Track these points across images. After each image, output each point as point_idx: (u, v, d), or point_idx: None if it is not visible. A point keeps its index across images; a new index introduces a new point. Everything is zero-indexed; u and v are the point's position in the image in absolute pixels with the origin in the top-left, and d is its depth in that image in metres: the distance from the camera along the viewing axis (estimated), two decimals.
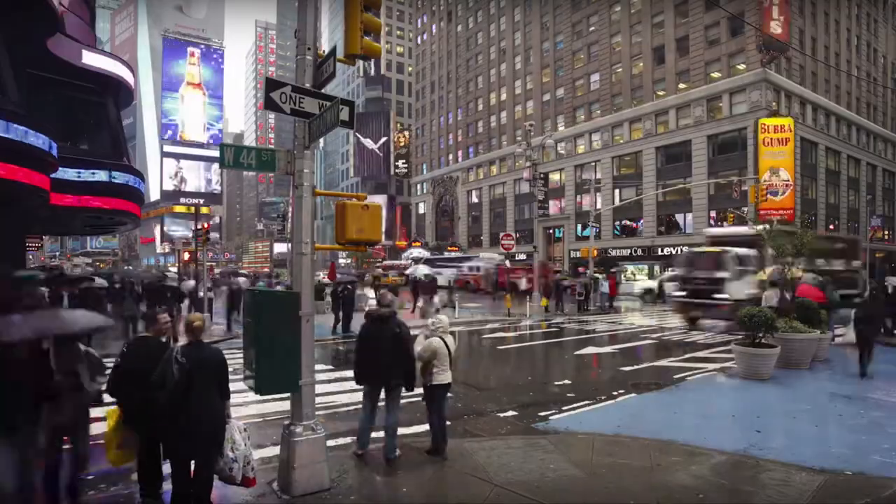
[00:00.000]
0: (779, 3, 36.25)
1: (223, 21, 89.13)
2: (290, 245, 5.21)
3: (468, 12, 65.41)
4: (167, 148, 72.76)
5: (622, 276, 35.53)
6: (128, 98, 24.09)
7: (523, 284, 29.65)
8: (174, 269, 48.49)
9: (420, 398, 8.26)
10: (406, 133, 79.35)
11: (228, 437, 3.97)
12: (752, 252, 16.58)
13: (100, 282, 18.50)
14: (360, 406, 5.98)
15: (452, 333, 6.28)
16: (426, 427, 6.71)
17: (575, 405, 7.74)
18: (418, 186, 76.94)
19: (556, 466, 5.26)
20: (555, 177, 50.11)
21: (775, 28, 35.82)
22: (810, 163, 40.22)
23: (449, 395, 8.18)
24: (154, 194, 70.06)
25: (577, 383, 9.49)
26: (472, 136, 64.27)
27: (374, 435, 6.36)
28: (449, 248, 59.98)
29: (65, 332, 3.81)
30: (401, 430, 6.56)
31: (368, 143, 78.56)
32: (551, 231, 52.08)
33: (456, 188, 66.41)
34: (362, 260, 56.72)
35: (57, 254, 72.60)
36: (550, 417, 7.09)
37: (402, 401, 8.18)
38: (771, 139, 34.99)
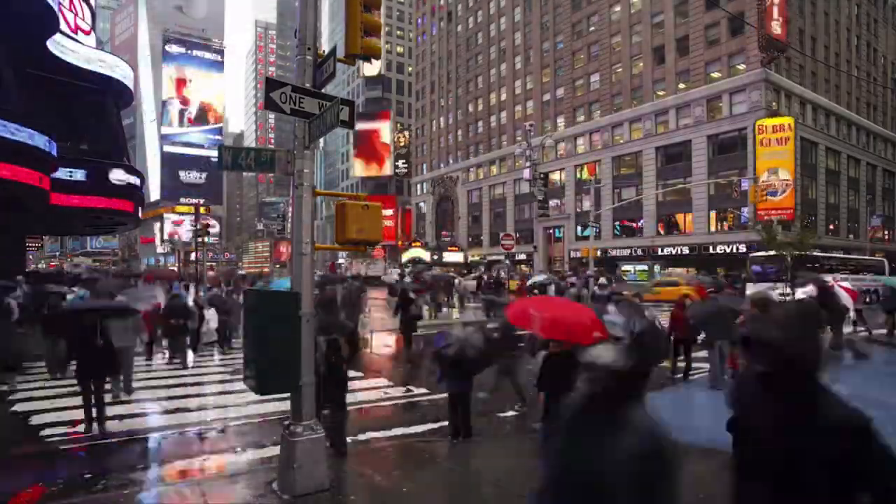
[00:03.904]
0: (778, 3, 36.22)
1: (223, 21, 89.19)
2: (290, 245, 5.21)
3: (468, 12, 65.40)
4: (167, 148, 72.78)
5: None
6: (128, 98, 24.10)
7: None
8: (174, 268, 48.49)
9: (419, 397, 8.29)
10: (406, 133, 79.35)
11: None
12: None
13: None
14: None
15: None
16: (427, 427, 6.72)
17: None
18: (418, 186, 76.95)
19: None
20: (555, 177, 50.11)
21: (775, 28, 35.79)
22: (810, 163, 40.20)
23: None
24: (154, 194, 70.02)
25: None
26: (472, 136, 64.26)
27: (376, 434, 6.36)
28: (449, 249, 60.00)
29: None
30: (401, 431, 6.57)
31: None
32: (551, 231, 52.08)
33: (456, 188, 66.41)
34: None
35: (57, 254, 72.60)
36: None
37: (404, 400, 8.21)
38: (769, 139, 34.93)
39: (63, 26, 18.32)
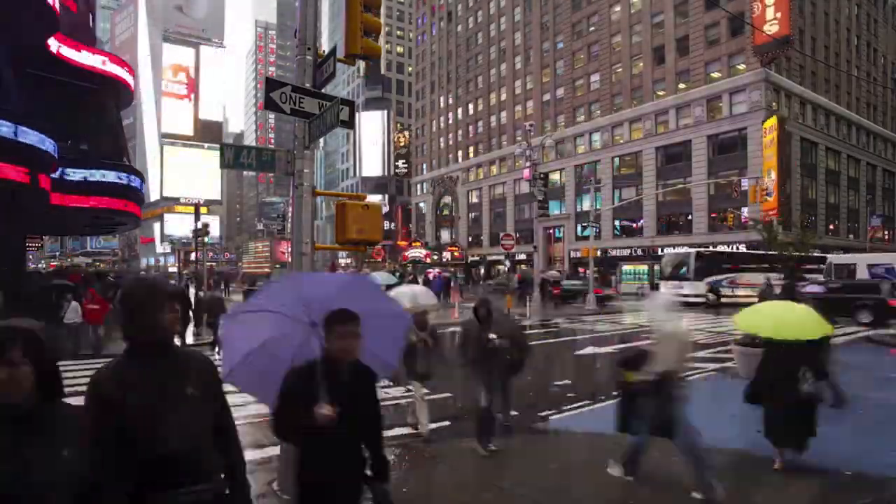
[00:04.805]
0: (778, 2, 36.15)
1: (223, 21, 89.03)
2: (290, 245, 5.20)
3: (468, 12, 65.40)
4: (167, 149, 72.74)
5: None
6: (128, 98, 24.08)
7: None
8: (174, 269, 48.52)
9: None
10: (406, 133, 79.35)
11: None
12: None
13: None
14: None
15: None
16: (426, 427, 6.71)
17: (575, 405, 7.74)
18: (418, 186, 76.94)
19: (556, 466, 5.26)
20: (555, 177, 50.11)
21: (774, 27, 35.72)
22: (810, 163, 40.20)
23: (449, 394, 8.21)
24: (154, 194, 70.01)
25: (577, 383, 9.51)
26: (472, 136, 64.27)
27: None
28: (449, 248, 59.99)
29: None
30: (401, 431, 6.56)
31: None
32: (551, 231, 52.09)
33: (456, 188, 66.40)
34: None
35: (57, 254, 72.55)
36: (551, 417, 7.08)
37: (403, 401, 8.20)
38: (767, 141, 34.95)
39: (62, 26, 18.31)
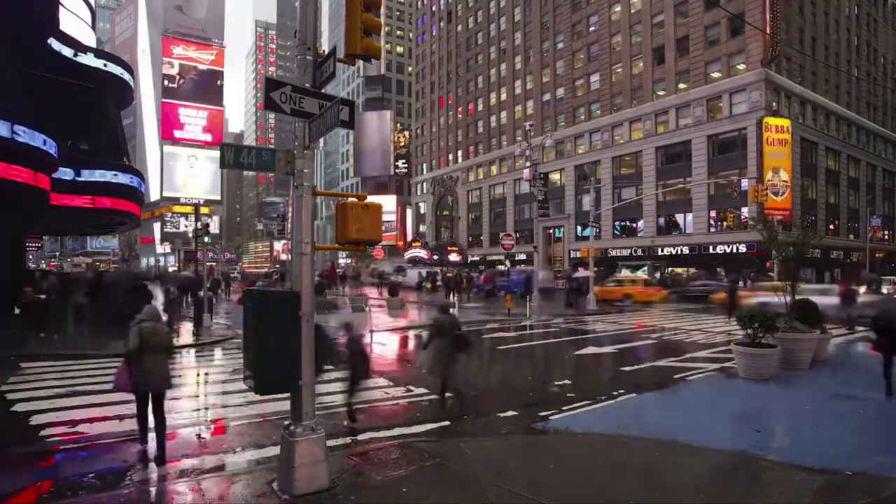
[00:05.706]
0: (777, 2, 36.17)
1: (223, 21, 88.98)
2: (290, 245, 5.21)
3: (468, 12, 65.39)
4: (167, 148, 72.65)
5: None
6: (128, 98, 24.11)
7: None
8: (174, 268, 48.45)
9: (419, 397, 8.30)
10: (406, 133, 79.33)
11: None
12: None
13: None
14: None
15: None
16: (426, 427, 6.73)
17: (575, 405, 7.74)
18: (418, 186, 76.94)
19: (555, 466, 5.26)
20: (555, 177, 50.11)
21: (774, 26, 35.73)
22: (810, 163, 40.18)
23: (448, 395, 8.22)
24: (154, 194, 70.01)
25: (577, 383, 9.50)
26: (472, 136, 64.26)
27: (376, 434, 6.37)
28: (449, 248, 60.01)
29: None
30: (401, 430, 6.58)
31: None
32: (551, 231, 52.08)
33: (456, 188, 66.39)
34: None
35: (57, 254, 72.55)
36: (550, 417, 7.08)
37: (404, 400, 8.22)
38: (773, 139, 35.01)
39: (63, 26, 18.34)
